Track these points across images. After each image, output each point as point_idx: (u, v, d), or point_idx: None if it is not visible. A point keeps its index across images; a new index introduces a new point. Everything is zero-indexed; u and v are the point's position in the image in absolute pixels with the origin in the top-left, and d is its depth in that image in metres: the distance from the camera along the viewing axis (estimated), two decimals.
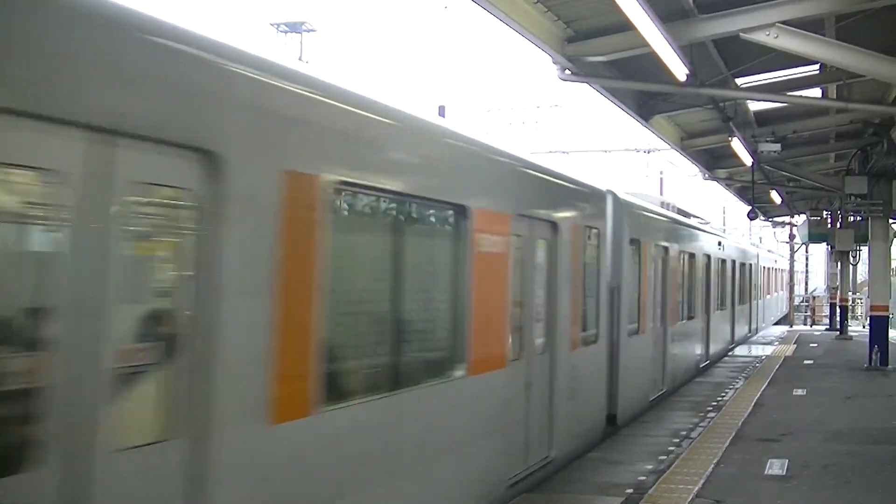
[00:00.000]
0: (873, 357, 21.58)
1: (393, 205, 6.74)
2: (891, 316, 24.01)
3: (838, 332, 32.29)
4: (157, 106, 4.30)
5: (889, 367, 21.22)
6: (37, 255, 4.07)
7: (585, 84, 13.55)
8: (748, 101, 18.00)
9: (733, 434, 12.59)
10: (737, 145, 19.05)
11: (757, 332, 33.97)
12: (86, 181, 3.93)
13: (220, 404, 4.59)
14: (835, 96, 16.42)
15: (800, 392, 17.18)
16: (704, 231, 22.34)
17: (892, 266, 29.82)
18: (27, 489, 3.67)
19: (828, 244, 34.44)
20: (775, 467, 10.57)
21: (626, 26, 10.82)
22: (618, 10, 9.87)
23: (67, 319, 3.83)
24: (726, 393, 16.99)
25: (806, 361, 23.18)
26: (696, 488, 9.44)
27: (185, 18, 4.63)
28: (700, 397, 16.51)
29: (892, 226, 25.03)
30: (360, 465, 5.99)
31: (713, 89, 14.57)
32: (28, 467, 3.70)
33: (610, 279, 12.38)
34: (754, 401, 15.84)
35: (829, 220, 33.03)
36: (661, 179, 45.35)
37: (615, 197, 12.88)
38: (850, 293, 36.53)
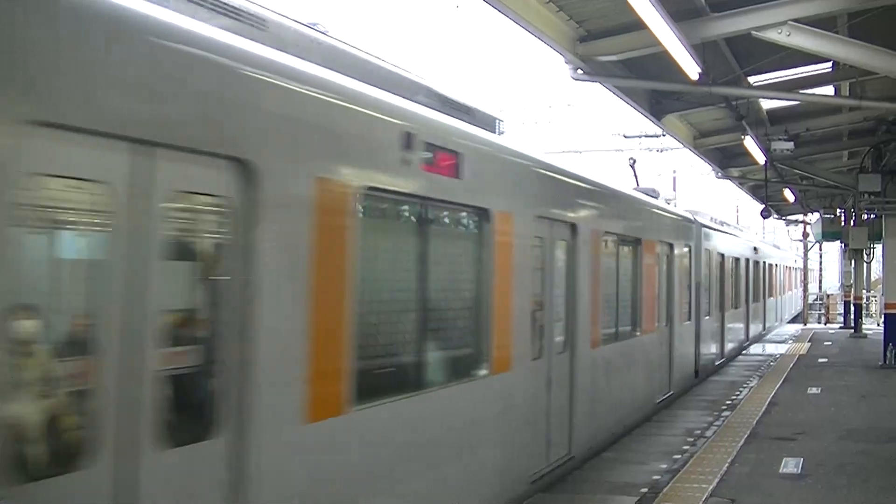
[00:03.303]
0: (888, 355, 21.51)
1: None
2: None
3: (853, 331, 32.17)
4: None
5: None
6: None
7: (598, 83, 13.56)
8: (761, 100, 17.95)
9: (748, 433, 12.57)
10: (750, 144, 19.01)
11: (753, 344, 28.09)
12: None
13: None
14: (848, 94, 16.35)
15: (814, 390, 17.13)
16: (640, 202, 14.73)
17: None
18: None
19: (841, 242, 34.30)
20: (790, 466, 10.56)
21: (638, 25, 10.83)
22: (630, 10, 9.87)
23: None
24: (740, 392, 16.96)
25: (820, 360, 23.11)
26: (711, 487, 9.44)
27: None
28: (714, 396, 16.49)
29: None
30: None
31: (726, 88, 14.54)
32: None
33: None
34: (769, 399, 15.81)
35: (842, 218, 32.92)
36: (675, 178, 45.29)
37: None
38: (864, 291, 36.38)
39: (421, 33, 79.62)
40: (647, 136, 30.14)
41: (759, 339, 29.85)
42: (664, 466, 10.56)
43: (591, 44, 12.33)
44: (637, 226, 13.62)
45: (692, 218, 18.62)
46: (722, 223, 24.40)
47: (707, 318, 19.53)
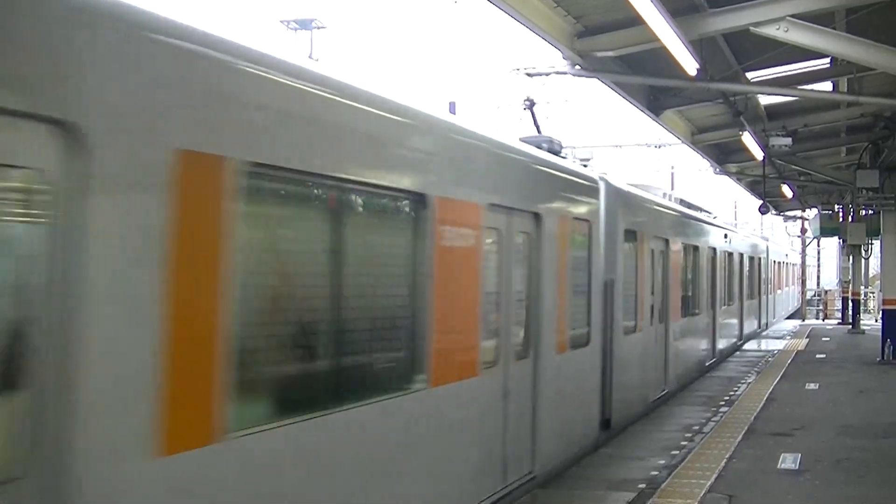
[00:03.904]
0: (886, 351, 21.54)
1: None
2: None
3: (851, 327, 32.21)
4: None
5: None
6: None
7: (596, 79, 13.57)
8: (759, 96, 17.97)
9: (746, 428, 12.57)
10: (747, 140, 19.02)
11: (725, 360, 21.93)
12: None
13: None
14: (846, 90, 16.37)
15: (812, 386, 17.14)
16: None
17: None
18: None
19: (840, 238, 34.35)
20: (788, 461, 10.56)
21: (635, 21, 10.83)
22: (627, 6, 9.88)
23: None
24: (738, 388, 16.96)
25: (818, 355, 23.12)
26: (709, 483, 9.44)
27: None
28: (712, 392, 16.50)
29: None
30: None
31: (723, 84, 14.54)
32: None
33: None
34: (767, 395, 15.82)
35: (840, 214, 32.97)
36: (672, 174, 45.37)
37: None
38: (862, 287, 36.41)
39: (420, 29, 79.55)
40: (557, 72, 23.87)
41: (733, 352, 23.61)
42: (662, 462, 10.56)
43: (588, 39, 12.33)
44: (422, 168, 6.77)
45: (595, 178, 11.44)
46: (680, 200, 19.08)
47: (631, 335, 13.12)
